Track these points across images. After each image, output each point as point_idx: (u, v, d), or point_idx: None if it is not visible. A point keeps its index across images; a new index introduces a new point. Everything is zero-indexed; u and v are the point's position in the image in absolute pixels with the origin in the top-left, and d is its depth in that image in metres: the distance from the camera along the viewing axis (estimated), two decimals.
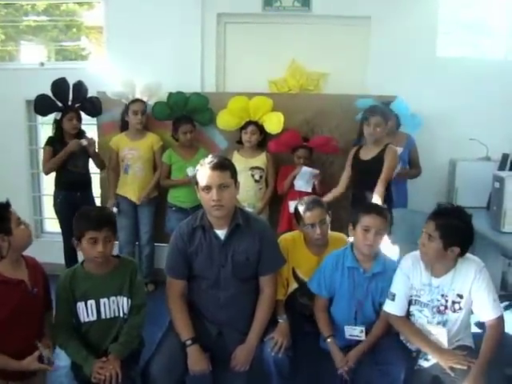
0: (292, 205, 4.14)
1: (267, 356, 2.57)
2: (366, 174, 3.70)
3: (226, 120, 4.47)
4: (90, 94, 4.49)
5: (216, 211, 2.52)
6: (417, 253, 2.64)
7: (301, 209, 2.98)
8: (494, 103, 4.79)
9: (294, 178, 4.28)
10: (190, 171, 4.27)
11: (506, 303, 4.49)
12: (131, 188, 4.56)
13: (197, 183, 2.58)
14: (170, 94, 4.48)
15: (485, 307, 2.49)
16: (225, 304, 2.64)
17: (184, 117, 4.48)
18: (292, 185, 4.30)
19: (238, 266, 2.62)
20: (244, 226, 2.63)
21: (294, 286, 2.96)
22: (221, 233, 2.62)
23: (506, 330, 3.73)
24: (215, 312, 2.66)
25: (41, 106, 4.33)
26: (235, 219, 2.62)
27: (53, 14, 5.45)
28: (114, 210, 4.49)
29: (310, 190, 4.24)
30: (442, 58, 4.84)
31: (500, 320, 2.49)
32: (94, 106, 4.52)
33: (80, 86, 4.39)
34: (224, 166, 2.55)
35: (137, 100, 4.51)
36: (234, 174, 2.60)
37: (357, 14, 4.78)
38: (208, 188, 2.50)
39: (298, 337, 2.76)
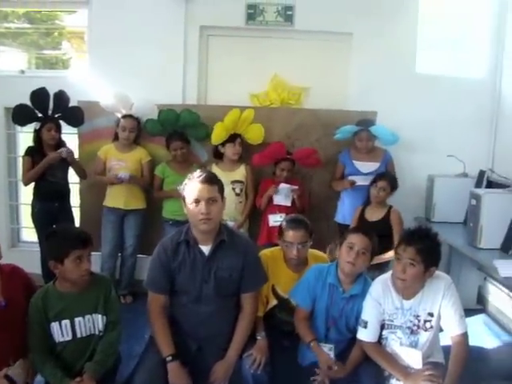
0: (271, 218, 4.25)
1: (246, 373, 2.57)
2: None
3: (220, 134, 4.43)
4: (71, 103, 4.45)
5: (203, 225, 2.53)
6: (385, 277, 2.67)
7: (284, 224, 3.01)
8: (471, 120, 4.89)
9: (270, 196, 4.30)
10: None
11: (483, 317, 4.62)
12: (118, 198, 4.53)
13: (184, 197, 2.59)
14: (161, 111, 4.49)
15: (451, 323, 2.53)
16: (205, 320, 2.64)
17: (175, 133, 4.48)
18: (271, 199, 4.31)
19: (220, 283, 2.62)
20: (228, 243, 2.65)
21: (273, 302, 2.97)
22: (205, 248, 2.63)
23: (480, 344, 3.87)
24: (195, 327, 2.66)
25: (19, 115, 4.29)
26: (220, 235, 2.64)
27: (34, 18, 5.38)
28: (125, 175, 4.41)
29: (289, 204, 4.27)
30: (422, 75, 4.91)
31: (465, 336, 2.53)
32: (76, 116, 4.47)
33: (61, 96, 4.35)
34: (213, 180, 2.60)
35: (127, 116, 4.50)
36: (221, 189, 2.63)
37: (339, 30, 4.84)
38: (197, 201, 2.52)
39: (277, 352, 2.76)
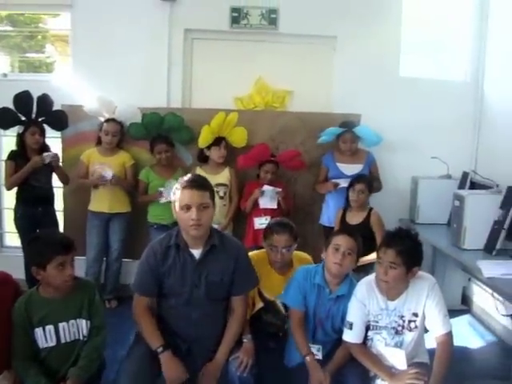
0: (257, 221, 4.26)
1: (232, 375, 2.56)
2: None
3: (206, 137, 4.43)
4: (55, 107, 4.43)
5: (194, 231, 2.50)
6: (370, 279, 2.68)
7: (269, 228, 3.03)
8: (455, 123, 4.95)
9: (256, 199, 4.30)
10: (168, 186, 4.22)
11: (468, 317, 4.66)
12: (103, 201, 4.51)
13: (174, 202, 2.55)
14: (144, 115, 4.48)
15: (435, 323, 2.54)
16: (195, 322, 2.62)
17: (159, 136, 4.47)
18: (257, 202, 4.31)
19: (211, 287, 2.60)
20: (219, 247, 2.62)
21: (259, 305, 2.97)
22: (196, 252, 2.60)
23: (464, 345, 3.91)
24: (186, 328, 2.64)
25: (2, 119, 4.25)
26: (211, 240, 2.61)
27: (17, 20, 5.34)
28: (108, 174, 4.38)
29: (275, 207, 4.28)
30: (405, 78, 4.96)
31: (449, 336, 2.54)
32: (60, 120, 4.44)
33: (45, 99, 4.32)
34: (205, 186, 2.56)
35: (110, 120, 4.48)
36: (212, 194, 2.59)
37: (323, 33, 4.87)
38: (188, 207, 2.47)
39: (263, 354, 2.75)
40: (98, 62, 4.75)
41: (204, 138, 4.42)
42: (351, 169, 4.39)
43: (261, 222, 4.18)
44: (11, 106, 4.19)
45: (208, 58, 5.00)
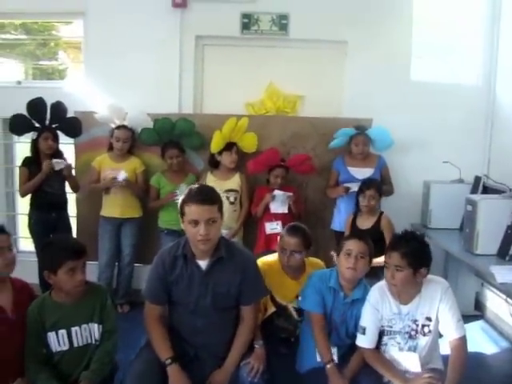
0: (268, 226, 4.26)
1: (243, 381, 2.55)
2: None
3: (218, 142, 4.44)
4: (69, 114, 4.48)
5: (202, 245, 2.48)
6: (382, 284, 2.68)
7: (283, 231, 3.05)
8: (467, 126, 4.94)
9: (267, 204, 4.31)
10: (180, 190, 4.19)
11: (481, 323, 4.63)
12: (115, 207, 4.55)
13: (182, 214, 2.51)
14: (156, 120, 4.51)
15: (449, 327, 2.54)
16: (202, 329, 2.62)
17: (171, 142, 4.50)
18: (267, 207, 4.32)
19: (218, 298, 2.59)
20: (227, 259, 2.60)
21: (271, 309, 2.97)
22: (203, 263, 2.59)
23: (478, 350, 3.91)
24: (192, 335, 2.64)
25: (16, 125, 4.30)
26: (218, 251, 2.59)
27: (30, 28, 5.41)
28: (121, 175, 4.42)
29: (286, 211, 4.28)
30: (417, 82, 4.95)
31: (463, 340, 2.53)
32: (73, 127, 4.49)
33: (58, 106, 4.37)
34: (213, 200, 2.50)
35: (121, 127, 4.51)
36: (221, 206, 2.55)
37: (333, 38, 4.89)
38: (196, 222, 2.44)
39: (274, 359, 2.75)
40: (109, 68, 4.80)
41: (216, 144, 4.43)
42: (362, 173, 4.38)
43: (272, 227, 4.20)
44: (25, 112, 4.24)
45: (219, 63, 5.03)
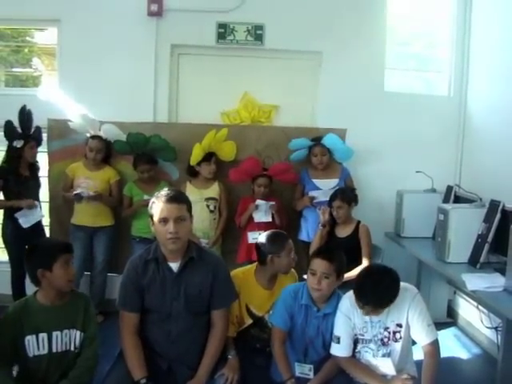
0: (250, 235, 4.29)
1: None
2: (343, 250, 3.72)
3: (198, 154, 4.41)
4: (40, 121, 4.48)
5: (172, 244, 2.52)
6: (352, 292, 2.69)
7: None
8: (439, 137, 5.05)
9: (250, 213, 4.34)
10: (146, 197, 4.27)
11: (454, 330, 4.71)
12: (86, 215, 4.52)
13: (152, 216, 2.57)
14: (130, 134, 4.45)
15: (420, 333, 2.58)
16: (176, 338, 2.63)
17: (144, 156, 4.46)
18: (251, 217, 4.35)
19: (190, 299, 2.61)
20: (197, 260, 2.64)
21: (248, 321, 2.99)
22: (174, 265, 2.62)
23: (450, 356, 4.02)
24: (165, 346, 2.65)
25: (9, 132, 4.33)
26: (189, 252, 2.63)
27: (3, 34, 5.35)
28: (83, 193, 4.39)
29: (270, 220, 4.32)
30: (390, 93, 5.05)
31: (435, 344, 2.58)
32: (41, 135, 4.51)
33: (31, 114, 4.39)
34: (181, 199, 2.58)
35: (95, 137, 4.49)
36: (189, 207, 2.62)
37: (308, 49, 4.95)
38: (165, 220, 2.50)
39: (249, 370, 2.77)
40: (84, 76, 4.77)
41: (195, 156, 4.40)
42: (327, 183, 4.43)
43: (254, 237, 4.17)
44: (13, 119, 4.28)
45: (194, 73, 5.05)
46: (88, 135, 4.53)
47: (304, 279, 2.88)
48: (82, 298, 2.68)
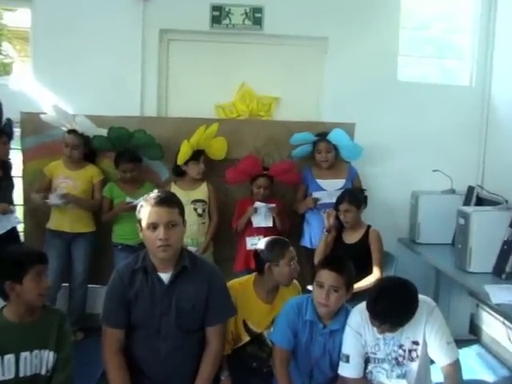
0: (249, 241, 4.20)
1: None
2: (352, 257, 3.74)
3: (186, 153, 4.31)
4: (11, 114, 4.36)
5: (162, 252, 2.44)
6: (363, 306, 2.61)
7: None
8: (459, 132, 4.95)
9: (249, 217, 4.26)
10: (128, 199, 4.22)
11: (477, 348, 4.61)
12: (63, 220, 4.39)
13: (140, 221, 2.50)
14: (111, 129, 4.36)
15: (439, 352, 2.51)
16: (165, 358, 2.54)
17: (126, 153, 4.35)
18: (250, 221, 4.26)
19: (182, 315, 2.54)
20: (191, 269, 2.56)
21: (246, 339, 2.93)
22: (165, 276, 2.54)
23: (473, 378, 3.92)
24: (154, 367, 2.57)
25: None
26: (181, 261, 2.55)
27: None
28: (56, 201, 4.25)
29: (270, 225, 4.23)
30: (404, 83, 4.97)
31: (456, 365, 2.51)
32: (12, 129, 4.39)
33: (1, 106, 4.28)
34: (172, 201, 2.51)
35: (71, 131, 4.38)
36: (182, 211, 2.55)
37: (313, 34, 4.86)
38: (154, 226, 2.42)
39: None
40: (62, 64, 4.67)
41: (183, 154, 4.31)
42: (333, 184, 4.36)
43: (253, 243, 4.11)
44: None
45: (186, 61, 4.96)
46: (64, 129, 4.41)
47: (308, 290, 2.84)
48: (56, 314, 2.58)
